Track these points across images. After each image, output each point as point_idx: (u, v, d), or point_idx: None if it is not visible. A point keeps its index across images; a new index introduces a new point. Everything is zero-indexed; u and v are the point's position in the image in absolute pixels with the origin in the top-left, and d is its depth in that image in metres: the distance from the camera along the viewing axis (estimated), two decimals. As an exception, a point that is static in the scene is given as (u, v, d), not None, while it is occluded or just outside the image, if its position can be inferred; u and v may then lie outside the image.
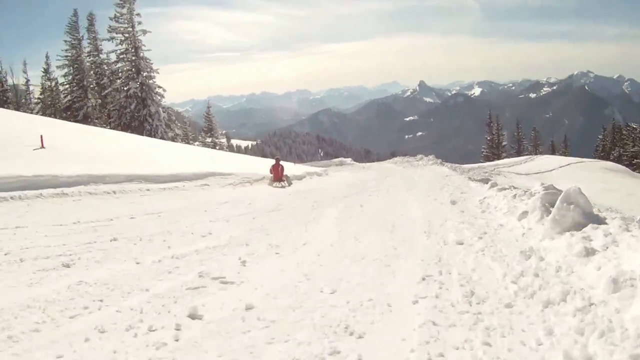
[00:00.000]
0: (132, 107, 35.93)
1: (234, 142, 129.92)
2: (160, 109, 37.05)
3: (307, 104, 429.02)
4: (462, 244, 6.65)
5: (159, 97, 37.39)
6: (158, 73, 37.49)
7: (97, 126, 33.50)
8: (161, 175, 12.92)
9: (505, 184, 16.37)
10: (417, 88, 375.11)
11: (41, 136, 12.81)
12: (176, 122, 41.63)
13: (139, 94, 35.94)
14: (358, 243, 6.97)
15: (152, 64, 37.04)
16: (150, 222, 7.99)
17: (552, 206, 6.20)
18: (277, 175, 17.03)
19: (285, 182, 17.03)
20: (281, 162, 18.01)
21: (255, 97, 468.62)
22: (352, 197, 13.58)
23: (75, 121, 33.57)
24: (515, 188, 11.41)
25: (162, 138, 34.75)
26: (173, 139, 37.01)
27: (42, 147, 12.71)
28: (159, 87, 37.26)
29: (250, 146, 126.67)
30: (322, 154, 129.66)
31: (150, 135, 34.43)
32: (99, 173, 10.90)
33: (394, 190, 15.65)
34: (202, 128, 52.70)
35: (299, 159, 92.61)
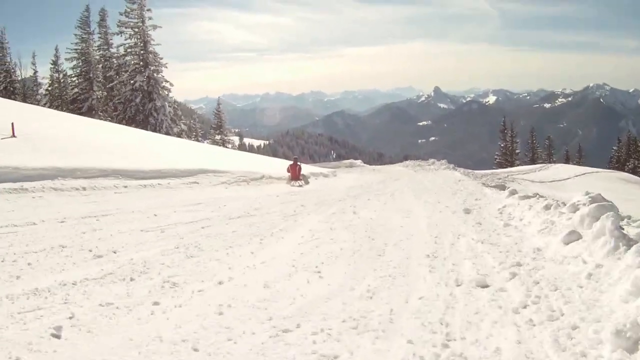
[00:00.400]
0: (138, 100, 35.46)
1: (247, 140, 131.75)
2: (166, 103, 36.55)
3: (321, 106, 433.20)
4: (485, 286, 4.47)
5: (166, 92, 36.95)
6: (166, 67, 37.12)
7: (100, 119, 33.07)
8: (142, 170, 11.97)
9: (521, 191, 15.33)
10: (432, 93, 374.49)
11: (12, 124, 11.77)
12: (182, 117, 41.00)
13: (145, 88, 35.49)
14: (315, 283, 4.80)
15: (161, 58, 36.84)
16: (70, 229, 6.65)
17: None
18: (295, 174, 17.50)
19: (303, 181, 17.38)
20: (299, 163, 18.53)
21: (270, 97, 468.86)
22: (348, 200, 12.27)
23: (80, 113, 33.09)
24: (541, 197, 9.95)
25: (167, 133, 34.38)
26: (179, 135, 36.45)
27: (13, 135, 11.69)
28: (166, 81, 36.78)
29: (262, 145, 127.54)
30: (334, 156, 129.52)
31: (155, 129, 33.90)
32: (69, 166, 9.91)
33: (399, 194, 14.55)
34: (211, 125, 51.79)
35: (312, 159, 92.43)
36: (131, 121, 34.42)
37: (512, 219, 8.41)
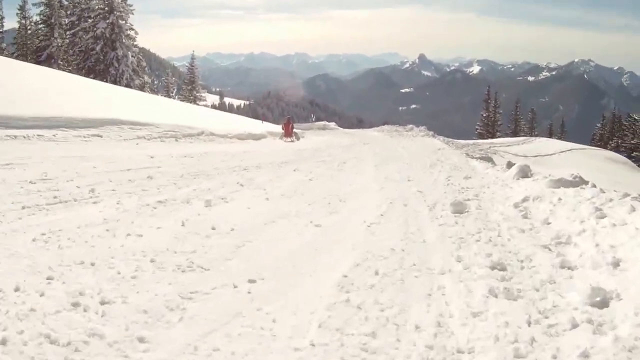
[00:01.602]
0: (98, 48, 32.96)
1: (227, 100, 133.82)
2: (129, 53, 34.06)
3: (305, 68, 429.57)
4: None
5: (130, 41, 34.51)
6: (133, 14, 34.61)
7: (60, 69, 30.28)
8: (21, 117, 8.92)
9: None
10: (417, 60, 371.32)
11: None
12: (146, 69, 38.47)
13: (108, 35, 32.91)
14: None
15: (130, 5, 34.28)
16: None
17: None
18: (288, 131, 19.78)
19: (295, 137, 19.53)
20: (291, 122, 21.00)
21: (255, 57, 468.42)
22: (286, 166, 10.39)
23: (39, 62, 30.63)
24: (594, 187, 6.59)
25: (127, 85, 32.10)
26: (141, 88, 34.02)
27: None
28: (131, 29, 34.38)
29: (242, 105, 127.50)
30: (314, 119, 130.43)
31: (115, 81, 31.64)
32: None
33: (360, 162, 12.19)
34: (183, 80, 48.86)
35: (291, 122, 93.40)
36: (90, 71, 32.10)
37: (562, 236, 4.96)
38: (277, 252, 4.55)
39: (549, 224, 5.59)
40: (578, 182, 7.11)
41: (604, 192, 5.75)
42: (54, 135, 9.66)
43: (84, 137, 10.29)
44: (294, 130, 20.29)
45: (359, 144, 19.37)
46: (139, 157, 9.35)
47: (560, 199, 6.13)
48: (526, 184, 8.12)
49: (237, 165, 9.69)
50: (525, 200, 6.87)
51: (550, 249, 4.62)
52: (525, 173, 9.29)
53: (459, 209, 6.50)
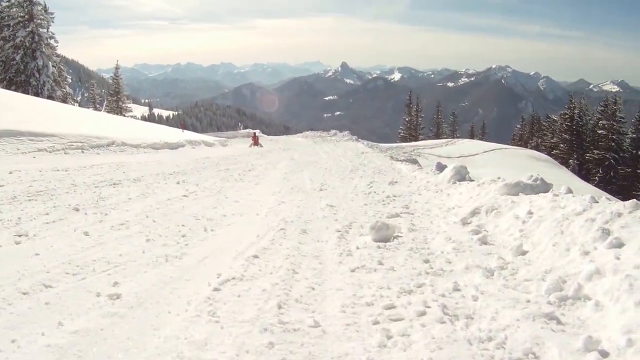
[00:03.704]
0: (18, 58, 30.50)
1: (156, 111, 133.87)
2: (50, 62, 31.94)
3: (231, 77, 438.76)
4: None
5: (51, 50, 32.46)
6: (53, 22, 32.56)
7: None
8: None
9: (427, 166, 12.54)
10: (339, 69, 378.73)
11: None
12: (67, 79, 36.48)
13: (27, 45, 30.59)
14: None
15: (51, 14, 32.15)
16: None
17: None
18: (255, 141, 24.26)
19: (259, 146, 23.36)
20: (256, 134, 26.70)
21: (181, 68, 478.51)
22: (172, 178, 8.76)
23: None
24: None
25: (49, 97, 29.95)
26: (63, 99, 32.24)
27: None
28: (52, 37, 32.25)
29: (171, 116, 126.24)
30: (241, 127, 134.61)
31: (36, 93, 29.70)
32: None
33: (268, 169, 11.11)
34: (108, 91, 47.21)
35: (219, 131, 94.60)
36: (11, 83, 30.00)
37: (575, 298, 2.85)
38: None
39: (524, 254, 3.65)
40: (541, 186, 5.33)
41: (598, 202, 3.87)
42: None
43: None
44: (259, 141, 24.89)
45: (278, 150, 18.81)
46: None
47: (530, 212, 4.23)
48: (468, 189, 6.33)
49: (108, 180, 7.87)
50: (475, 213, 5.04)
51: (561, 325, 2.56)
52: (462, 176, 7.68)
53: (384, 234, 4.49)
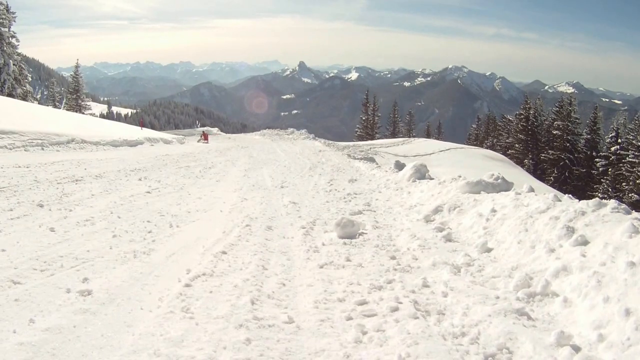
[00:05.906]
0: None
1: (115, 109, 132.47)
2: (10, 61, 31.78)
3: (189, 76, 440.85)
4: None
5: (12, 49, 32.23)
6: (15, 21, 32.51)
7: None
8: None
9: (385, 164, 12.81)
10: (297, 68, 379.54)
11: None
12: (28, 77, 36.26)
13: None
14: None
15: (12, 13, 32.02)
16: None
17: None
18: (205, 138, 25.47)
19: (207, 141, 24.55)
20: (205, 131, 28.78)
21: (140, 67, 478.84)
22: (133, 175, 8.64)
23: None
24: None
25: (10, 95, 29.80)
26: (23, 97, 31.85)
27: None
28: (13, 36, 32.13)
29: (130, 114, 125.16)
30: (199, 125, 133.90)
31: None
32: None
33: (228, 166, 11.08)
34: (68, 89, 46.29)
35: (177, 128, 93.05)
36: None
37: (543, 295, 2.87)
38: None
39: (489, 251, 3.65)
40: (502, 184, 5.39)
41: (560, 200, 3.92)
42: None
43: None
44: (207, 137, 26.06)
45: (237, 148, 18.83)
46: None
47: (494, 210, 4.25)
48: (429, 187, 6.36)
49: (70, 176, 7.77)
50: (438, 210, 5.05)
51: (531, 320, 2.57)
52: (422, 174, 7.74)
53: (349, 231, 4.46)
